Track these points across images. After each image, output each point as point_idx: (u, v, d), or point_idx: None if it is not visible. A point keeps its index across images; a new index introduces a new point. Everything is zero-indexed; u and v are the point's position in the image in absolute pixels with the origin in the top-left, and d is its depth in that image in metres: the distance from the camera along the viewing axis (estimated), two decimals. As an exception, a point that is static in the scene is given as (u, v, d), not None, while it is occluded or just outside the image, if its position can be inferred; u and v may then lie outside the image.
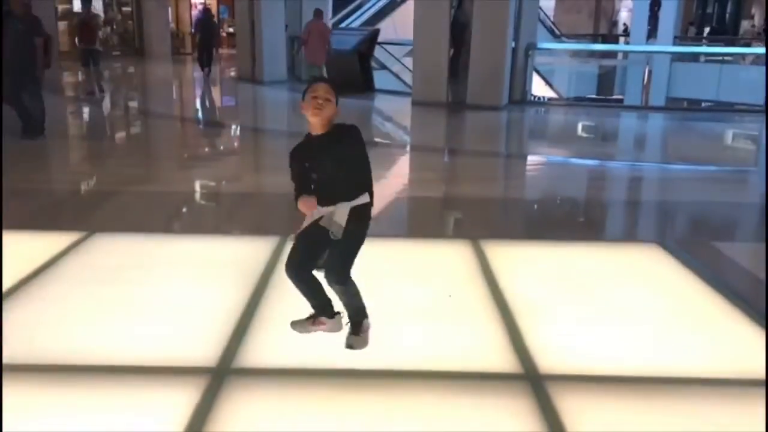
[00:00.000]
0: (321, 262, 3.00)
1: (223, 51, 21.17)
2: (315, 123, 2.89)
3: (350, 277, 2.95)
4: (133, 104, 13.63)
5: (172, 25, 23.69)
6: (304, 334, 3.11)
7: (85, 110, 12.05)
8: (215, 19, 20.79)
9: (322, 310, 3.09)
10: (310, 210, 2.94)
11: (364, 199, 2.95)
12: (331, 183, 2.91)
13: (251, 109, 13.70)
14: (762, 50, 16.30)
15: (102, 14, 22.44)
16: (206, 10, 19.43)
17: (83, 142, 9.63)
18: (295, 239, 2.99)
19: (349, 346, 3.06)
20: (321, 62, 12.53)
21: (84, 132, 10.56)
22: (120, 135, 10.44)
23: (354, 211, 2.91)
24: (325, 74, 12.49)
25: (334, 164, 2.87)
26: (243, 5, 15.64)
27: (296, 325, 3.15)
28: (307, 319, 3.13)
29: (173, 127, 11.25)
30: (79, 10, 16.00)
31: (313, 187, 2.96)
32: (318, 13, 12.62)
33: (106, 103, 12.61)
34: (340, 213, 2.89)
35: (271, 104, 13.74)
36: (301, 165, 2.97)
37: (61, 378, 2.93)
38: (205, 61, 16.52)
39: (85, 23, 12.54)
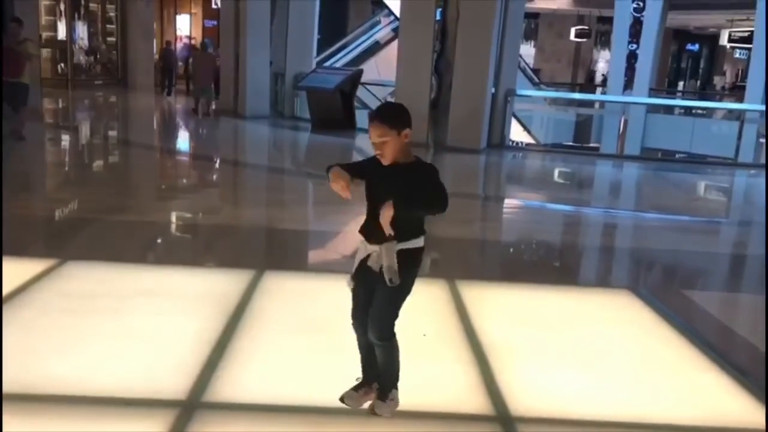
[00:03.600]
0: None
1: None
2: (386, 162, 2.62)
3: (394, 334, 2.72)
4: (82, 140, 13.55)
5: (156, 58, 23.75)
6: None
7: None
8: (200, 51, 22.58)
9: (376, 375, 2.84)
10: (337, 182, 2.59)
11: (416, 243, 2.66)
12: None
13: (233, 143, 13.73)
14: (734, 105, 16.81)
15: (87, 43, 22.50)
16: (167, 43, 23.00)
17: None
18: (353, 289, 2.77)
19: (372, 410, 2.84)
20: (207, 84, 15.59)
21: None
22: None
23: (402, 254, 2.62)
24: (213, 95, 15.90)
25: (394, 197, 2.54)
26: (228, 40, 15.78)
27: (348, 398, 2.86)
28: (357, 389, 2.86)
29: (151, 159, 11.22)
30: (63, 38, 16.02)
31: (365, 218, 2.70)
32: (203, 46, 16.49)
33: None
34: (388, 254, 2.61)
35: (253, 139, 13.80)
36: (366, 175, 2.68)
37: (26, 408, 2.86)
38: (168, 85, 20.30)
39: (9, 50, 9.29)
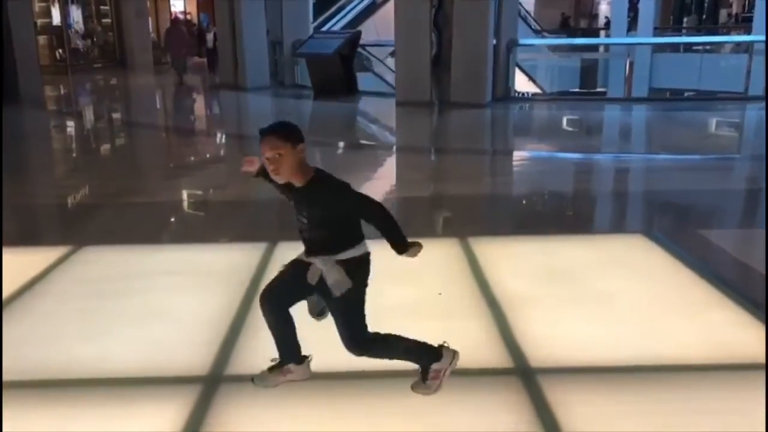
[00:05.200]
0: (313, 307, 2.81)
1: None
2: (281, 180, 2.53)
3: (368, 341, 2.66)
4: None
5: (153, 36, 23.60)
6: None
7: None
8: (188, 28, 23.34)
9: (290, 355, 2.79)
10: (249, 166, 2.72)
11: (354, 252, 2.57)
12: (313, 234, 2.58)
13: (236, 116, 13.69)
14: (740, 38, 16.48)
15: (82, 27, 22.37)
16: (172, 22, 23.54)
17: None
18: (282, 271, 2.73)
19: (417, 391, 2.80)
20: (182, 56, 17.37)
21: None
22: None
23: (342, 264, 2.55)
24: (186, 66, 17.58)
25: (314, 219, 2.54)
26: (223, 12, 15.62)
27: (259, 379, 2.82)
28: (271, 370, 2.82)
29: (156, 138, 11.22)
30: (58, 23, 16.32)
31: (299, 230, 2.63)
32: (175, 21, 19.36)
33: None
34: (330, 271, 2.54)
35: (256, 110, 13.74)
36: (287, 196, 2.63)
37: (53, 392, 2.92)
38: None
39: None
